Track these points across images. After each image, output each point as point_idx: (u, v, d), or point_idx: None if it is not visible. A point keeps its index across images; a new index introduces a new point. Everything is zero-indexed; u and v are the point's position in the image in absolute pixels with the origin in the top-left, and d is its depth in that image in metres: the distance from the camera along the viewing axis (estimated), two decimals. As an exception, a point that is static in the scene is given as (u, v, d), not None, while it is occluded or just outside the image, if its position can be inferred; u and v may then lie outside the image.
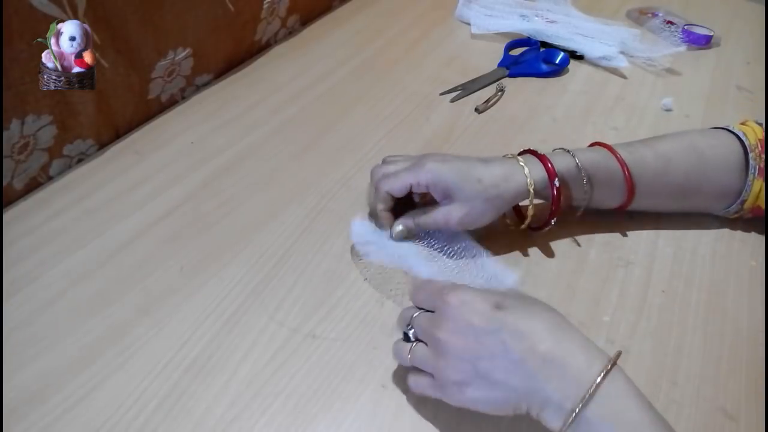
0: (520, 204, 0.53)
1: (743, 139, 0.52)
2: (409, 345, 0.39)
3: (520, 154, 0.51)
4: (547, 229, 0.51)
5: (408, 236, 0.50)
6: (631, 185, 0.50)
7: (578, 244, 0.54)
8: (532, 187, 0.48)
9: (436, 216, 0.48)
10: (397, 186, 0.48)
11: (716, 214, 0.56)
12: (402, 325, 0.41)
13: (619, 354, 0.34)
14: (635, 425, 0.32)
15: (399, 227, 0.50)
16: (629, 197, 0.51)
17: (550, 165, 0.48)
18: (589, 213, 0.53)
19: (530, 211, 0.50)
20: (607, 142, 0.52)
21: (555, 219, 0.50)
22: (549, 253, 0.53)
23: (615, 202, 0.53)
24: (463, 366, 0.36)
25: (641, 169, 0.51)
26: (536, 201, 0.49)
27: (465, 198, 0.47)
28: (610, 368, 0.33)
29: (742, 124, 0.54)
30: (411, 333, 0.40)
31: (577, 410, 0.32)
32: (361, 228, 0.51)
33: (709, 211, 0.56)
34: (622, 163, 0.50)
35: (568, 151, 0.50)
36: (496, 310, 0.36)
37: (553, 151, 0.51)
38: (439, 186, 0.47)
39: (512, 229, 0.54)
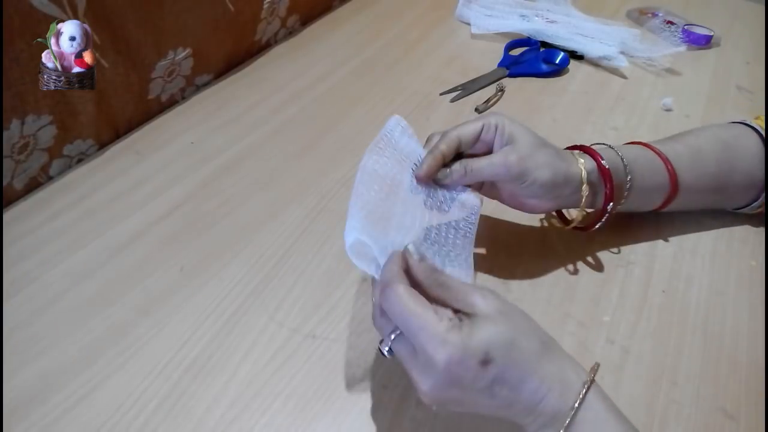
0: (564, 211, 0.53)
1: (760, 131, 0.53)
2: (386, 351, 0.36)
3: None
4: (599, 224, 0.50)
5: (446, 179, 0.45)
6: (674, 177, 0.50)
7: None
8: (584, 165, 0.47)
9: (494, 158, 0.45)
10: (468, 129, 0.46)
11: (743, 212, 0.56)
12: (380, 334, 0.36)
13: (594, 369, 0.34)
14: None
15: (444, 169, 0.45)
16: (673, 190, 0.51)
17: (598, 157, 0.48)
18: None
19: (584, 191, 0.47)
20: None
21: (609, 208, 0.48)
22: (549, 253, 0.53)
23: (657, 199, 0.52)
24: (446, 405, 0.35)
25: (677, 161, 0.51)
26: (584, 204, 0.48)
27: (527, 145, 0.45)
28: (583, 397, 0.33)
29: (756, 119, 0.55)
30: (387, 352, 0.35)
31: None
32: (397, 124, 0.45)
33: (736, 207, 0.56)
34: (661, 155, 0.50)
35: (609, 146, 0.50)
36: (484, 365, 0.32)
37: (591, 145, 0.51)
38: (507, 129, 0.46)
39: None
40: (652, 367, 0.45)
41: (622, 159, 0.49)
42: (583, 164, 0.47)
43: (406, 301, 0.33)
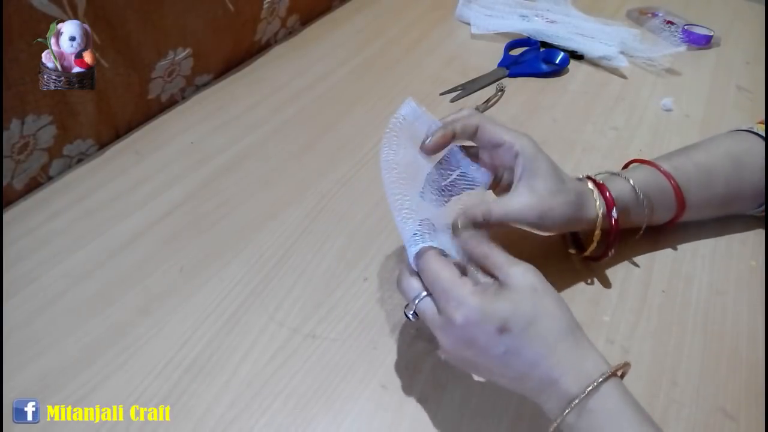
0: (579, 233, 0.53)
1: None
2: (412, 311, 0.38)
3: (578, 180, 0.49)
4: (605, 259, 0.51)
5: (456, 232, 0.44)
6: (681, 201, 0.50)
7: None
8: (601, 211, 0.47)
9: (511, 205, 0.44)
10: (491, 132, 0.44)
11: (750, 214, 0.56)
12: (405, 298, 0.39)
13: (620, 367, 0.35)
14: None
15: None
16: (679, 212, 0.51)
17: (608, 194, 0.47)
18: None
19: (596, 237, 0.48)
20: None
21: (612, 251, 0.49)
22: (549, 254, 0.53)
23: (663, 219, 0.53)
24: (464, 365, 0.38)
25: (686, 183, 0.51)
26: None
27: (546, 188, 0.43)
28: (597, 386, 0.33)
29: (759, 123, 0.55)
30: (411, 315, 0.38)
31: (557, 422, 0.34)
32: (411, 108, 0.45)
33: (743, 212, 0.56)
34: (670, 179, 0.50)
35: (620, 175, 0.50)
36: (500, 333, 0.34)
37: (597, 174, 0.50)
38: (528, 161, 0.43)
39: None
40: (652, 367, 0.45)
41: (638, 194, 0.48)
42: (601, 210, 0.46)
43: (436, 263, 0.37)
